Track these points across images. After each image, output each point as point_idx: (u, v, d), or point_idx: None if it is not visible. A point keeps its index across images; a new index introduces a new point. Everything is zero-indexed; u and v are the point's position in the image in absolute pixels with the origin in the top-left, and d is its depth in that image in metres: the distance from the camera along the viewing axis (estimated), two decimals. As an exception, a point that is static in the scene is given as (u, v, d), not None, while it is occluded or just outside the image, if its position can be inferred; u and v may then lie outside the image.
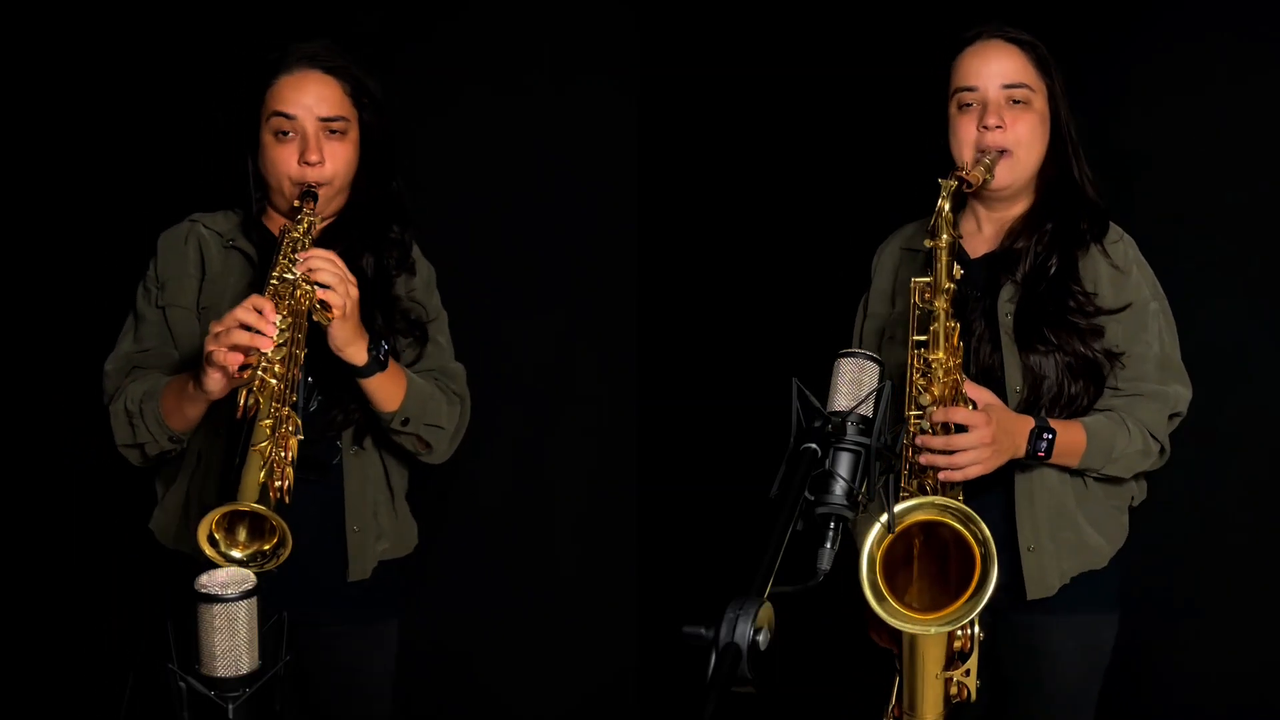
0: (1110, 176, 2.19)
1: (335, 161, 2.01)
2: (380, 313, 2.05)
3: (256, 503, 1.64)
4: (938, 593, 1.86)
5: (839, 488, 1.47)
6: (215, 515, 1.65)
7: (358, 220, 2.09)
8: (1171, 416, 2.06)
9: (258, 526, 1.70)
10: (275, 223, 2.08)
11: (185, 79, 2.63)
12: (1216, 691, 2.51)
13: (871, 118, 2.79)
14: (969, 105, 2.04)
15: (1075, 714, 2.11)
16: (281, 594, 1.84)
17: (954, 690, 1.95)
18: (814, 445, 1.49)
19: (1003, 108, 2.02)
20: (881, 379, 1.56)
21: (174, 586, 1.98)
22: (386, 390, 1.99)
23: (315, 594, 2.05)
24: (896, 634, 1.93)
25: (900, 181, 2.23)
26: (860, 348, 2.20)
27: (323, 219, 2.02)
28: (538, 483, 2.93)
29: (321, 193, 2.00)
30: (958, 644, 1.95)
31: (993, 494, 2.00)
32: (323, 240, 1.99)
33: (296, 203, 1.98)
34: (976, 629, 1.94)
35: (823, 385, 1.57)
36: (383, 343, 1.98)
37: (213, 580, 1.61)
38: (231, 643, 1.60)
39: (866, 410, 1.53)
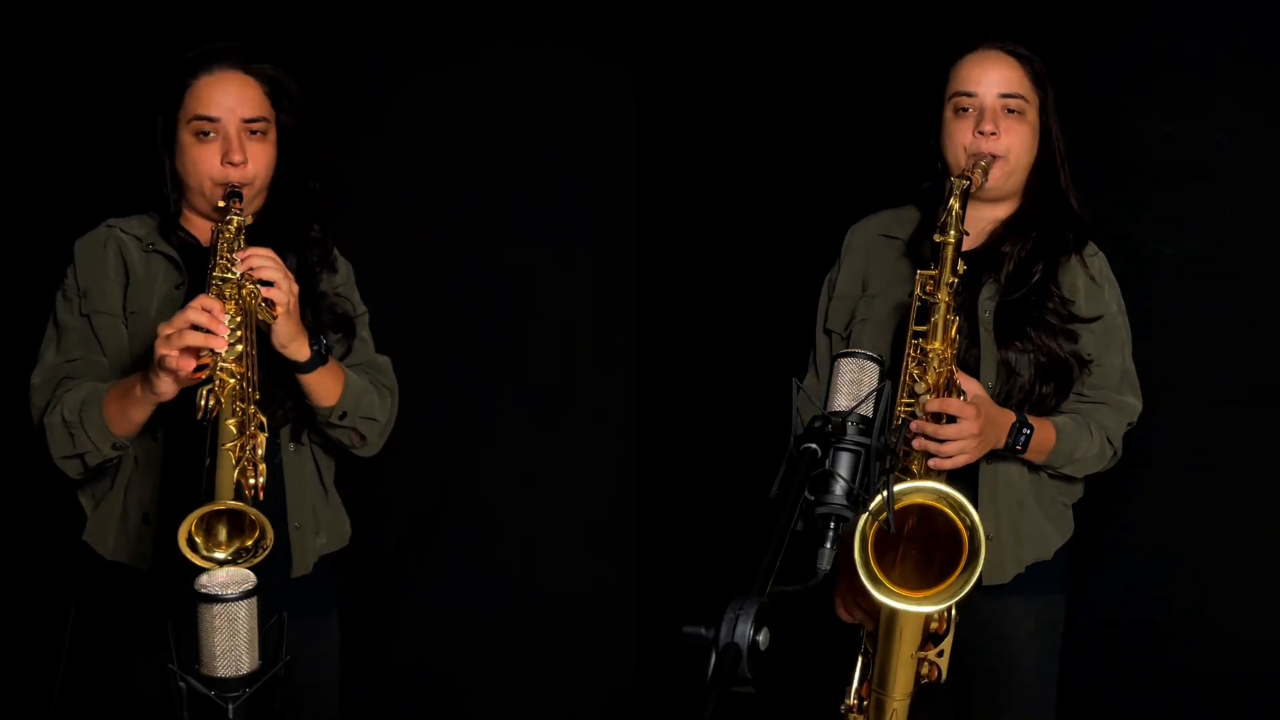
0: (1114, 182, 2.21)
1: (257, 162, 2.01)
2: (309, 309, 2.05)
3: (233, 497, 1.63)
4: (919, 574, 1.90)
5: (839, 488, 1.47)
6: (194, 518, 1.63)
7: (278, 220, 2.08)
8: (1127, 425, 2.17)
9: (236, 524, 1.69)
10: (193, 225, 2.07)
11: (93, 80, 2.58)
12: (1217, 688, 2.52)
13: (872, 117, 2.79)
14: (965, 110, 2.12)
15: (1039, 692, 2.18)
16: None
17: (925, 670, 2.02)
18: (814, 445, 1.49)
19: (999, 115, 2.10)
20: (881, 379, 1.57)
21: (121, 595, 2.01)
22: (326, 385, 2.00)
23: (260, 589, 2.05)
24: (871, 612, 2.03)
25: (900, 180, 2.25)
26: (824, 326, 2.26)
27: (249, 216, 2.01)
28: (538, 482, 2.92)
29: (244, 193, 1.99)
30: (934, 625, 2.01)
31: (958, 484, 2.02)
32: (246, 241, 1.98)
33: (222, 203, 1.98)
34: (953, 611, 2.00)
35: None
36: (321, 338, 1.99)
37: (213, 580, 1.61)
38: (231, 643, 1.60)
39: (866, 410, 1.53)
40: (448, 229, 2.79)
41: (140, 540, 1.99)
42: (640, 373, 2.97)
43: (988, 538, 2.00)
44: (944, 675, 2.02)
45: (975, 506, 1.99)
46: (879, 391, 1.55)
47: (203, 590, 1.59)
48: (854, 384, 1.56)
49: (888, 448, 1.55)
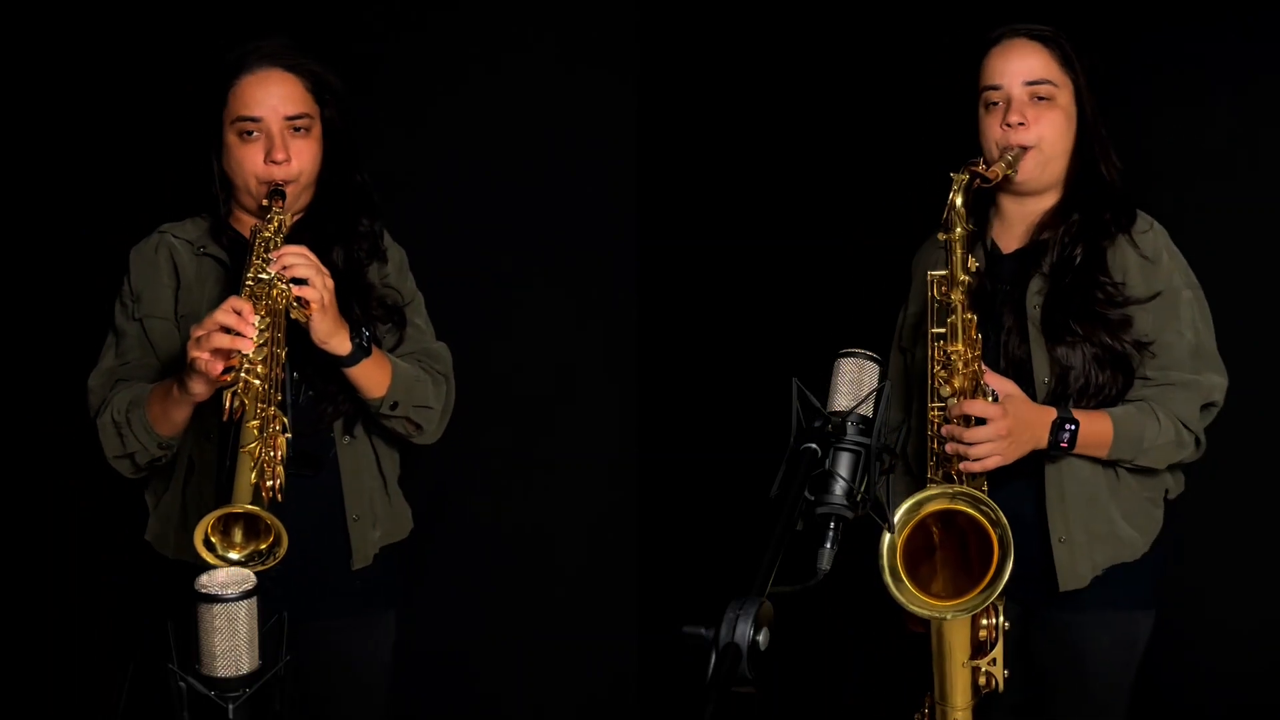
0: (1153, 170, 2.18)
1: (301, 159, 2.01)
2: (356, 302, 2.06)
3: (250, 503, 1.65)
4: (963, 580, 1.89)
5: (839, 488, 1.47)
6: (210, 520, 1.66)
7: (325, 214, 2.09)
8: (1207, 406, 2.05)
9: (253, 527, 1.70)
10: (244, 224, 2.08)
11: (140, 87, 2.62)
12: (1235, 687, 2.52)
13: (875, 117, 2.79)
14: (994, 104, 2.05)
15: (1109, 709, 2.11)
16: (287, 588, 1.86)
17: (982, 680, 1.99)
18: (814, 445, 1.49)
19: (1026, 104, 2.03)
20: (881, 379, 1.56)
21: (180, 594, 2.00)
22: (372, 377, 2.01)
23: (320, 586, 2.07)
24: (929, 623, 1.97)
25: (908, 180, 2.23)
26: (899, 345, 2.24)
27: (292, 216, 2.03)
28: (538, 483, 2.93)
29: (289, 190, 2.00)
30: (982, 634, 1.99)
31: (1023, 484, 2.02)
32: (292, 237, 1.99)
33: (265, 202, 1.99)
34: (1001, 619, 1.98)
35: (823, 386, 1.57)
36: (364, 330, 1.99)
37: (213, 580, 1.62)
38: (231, 643, 1.60)
39: (866, 410, 1.53)
40: (447, 229, 2.79)
41: None
42: (640, 371, 2.97)
43: (1059, 540, 2.00)
44: (1001, 685, 1.98)
45: (1042, 510, 2.01)
46: (879, 391, 1.55)
47: (203, 590, 1.59)
48: (854, 384, 1.56)
49: (888, 447, 1.54)
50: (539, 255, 2.86)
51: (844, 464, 1.49)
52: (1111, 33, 2.51)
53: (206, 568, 1.75)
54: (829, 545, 1.46)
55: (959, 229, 1.93)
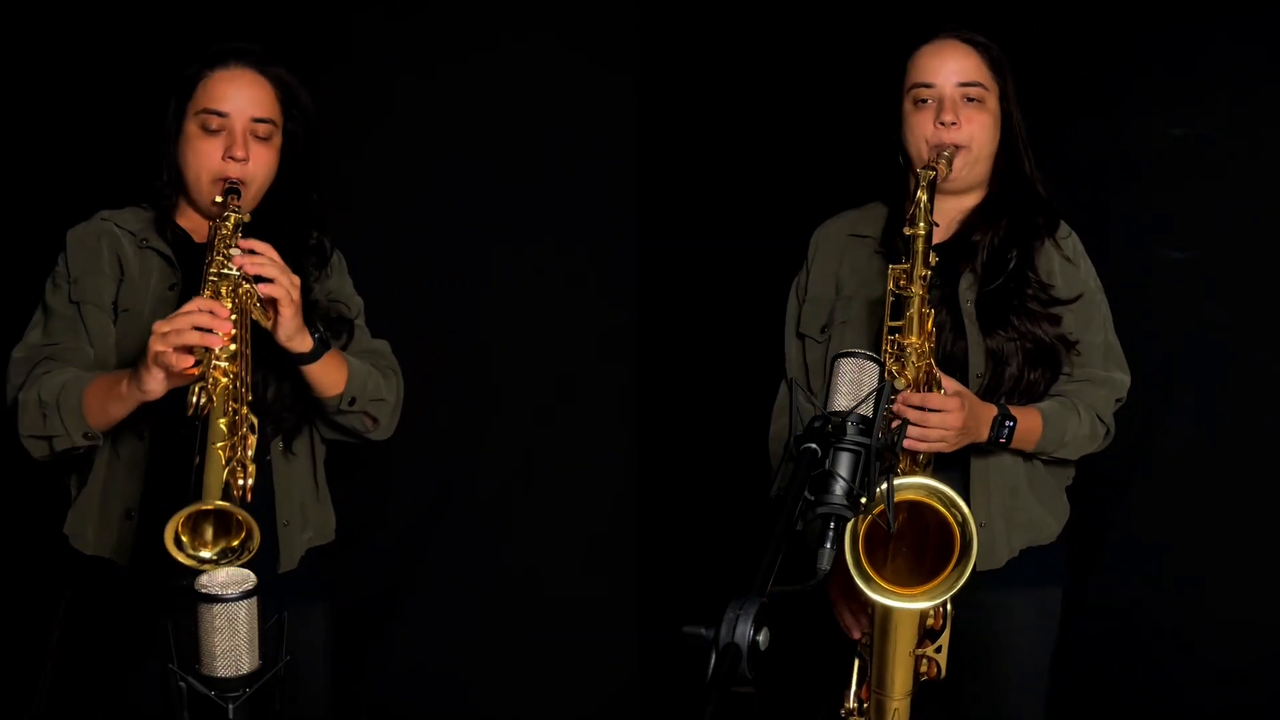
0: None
1: (258, 164, 2.01)
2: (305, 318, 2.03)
3: (220, 497, 1.63)
4: (911, 570, 1.91)
5: (839, 488, 1.47)
6: (181, 517, 1.64)
7: (271, 227, 2.05)
8: (1116, 401, 2.15)
9: (223, 524, 1.69)
10: (188, 218, 2.07)
11: (91, 67, 2.58)
12: (1222, 679, 2.53)
13: (876, 117, 2.79)
14: (925, 101, 2.11)
15: (1033, 684, 2.18)
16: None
17: (924, 668, 2.02)
18: (814, 445, 1.49)
19: (959, 105, 2.09)
20: (881, 379, 1.57)
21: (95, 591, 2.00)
22: (331, 374, 2.01)
23: None
24: (865, 615, 2.02)
25: (861, 178, 2.24)
26: (798, 332, 2.25)
27: (246, 215, 1.99)
28: (537, 482, 2.92)
29: (240, 191, 1.99)
30: (930, 621, 2.01)
31: (948, 474, 2.05)
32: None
33: (219, 198, 1.97)
34: (949, 606, 2.01)
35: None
36: (319, 325, 1.99)
37: (213, 580, 1.62)
38: (231, 643, 1.60)
39: (866, 410, 1.53)
40: (447, 228, 2.79)
41: (121, 536, 1.99)
42: (640, 369, 2.97)
43: (979, 525, 2.01)
44: (943, 672, 2.02)
45: (966, 497, 2.02)
46: (879, 391, 1.55)
47: (203, 590, 1.60)
48: (854, 384, 1.56)
49: (888, 447, 1.54)
50: (539, 255, 2.86)
51: (844, 464, 1.49)
52: (1111, 33, 2.51)
53: (122, 564, 1.74)
54: (829, 545, 1.46)
55: (923, 224, 1.96)
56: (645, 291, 2.97)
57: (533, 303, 2.86)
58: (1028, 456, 2.11)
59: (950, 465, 2.04)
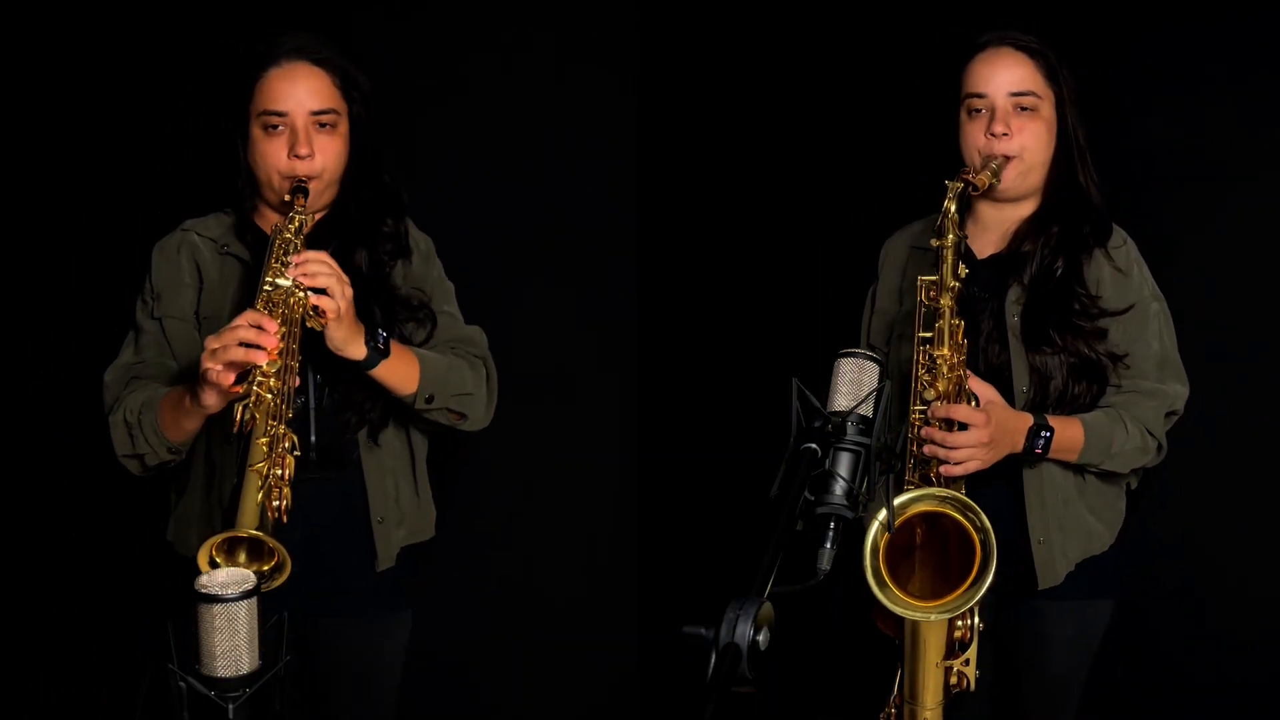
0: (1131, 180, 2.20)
1: (325, 155, 1.99)
2: (379, 306, 2.04)
3: (254, 526, 1.65)
4: (939, 581, 1.91)
5: (839, 488, 1.47)
6: (215, 541, 1.66)
7: (349, 215, 2.06)
8: (1169, 414, 2.11)
9: (256, 547, 1.71)
10: (268, 220, 2.06)
11: (164, 79, 2.61)
12: (1222, 679, 2.53)
13: (877, 117, 2.79)
14: (978, 111, 2.09)
15: (1066, 695, 2.17)
16: (307, 586, 1.88)
17: (954, 680, 2.01)
18: (814, 445, 1.49)
19: (1010, 115, 2.07)
20: (881, 379, 1.57)
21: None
22: (398, 375, 1.98)
23: (340, 585, 2.07)
24: (900, 622, 1.98)
25: (909, 180, 2.24)
26: (868, 341, 2.26)
27: (314, 215, 2.01)
28: (538, 484, 2.92)
29: (312, 186, 1.98)
30: (958, 634, 2.00)
31: (996, 487, 2.05)
32: (315, 236, 1.97)
33: (287, 197, 1.96)
34: (976, 620, 2.00)
35: (823, 386, 1.57)
36: (380, 331, 1.96)
37: (213, 580, 1.62)
38: (232, 643, 1.60)
39: (866, 410, 1.53)
40: (447, 228, 2.78)
41: None
42: (640, 367, 2.97)
43: (1039, 541, 2.04)
44: (973, 684, 2.00)
45: (1021, 512, 2.04)
46: (879, 391, 1.55)
47: (203, 590, 1.60)
48: (854, 384, 1.56)
49: (888, 447, 1.54)
50: (539, 255, 2.86)
51: (844, 464, 1.49)
52: (1111, 33, 2.51)
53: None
54: (829, 545, 1.46)
55: (951, 235, 1.96)
56: (645, 291, 2.97)
57: (533, 303, 2.86)
58: (1077, 468, 2.08)
59: (999, 478, 2.03)
